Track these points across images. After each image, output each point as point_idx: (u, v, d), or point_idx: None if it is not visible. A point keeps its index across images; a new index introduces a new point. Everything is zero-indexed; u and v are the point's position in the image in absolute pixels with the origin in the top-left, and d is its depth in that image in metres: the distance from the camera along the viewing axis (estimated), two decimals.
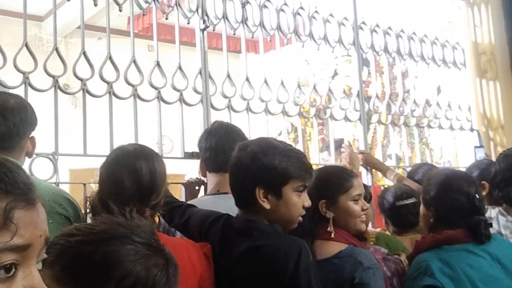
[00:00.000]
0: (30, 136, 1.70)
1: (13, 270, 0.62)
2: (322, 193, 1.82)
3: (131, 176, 1.48)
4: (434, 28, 4.09)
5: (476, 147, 3.76)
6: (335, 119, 3.41)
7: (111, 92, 2.36)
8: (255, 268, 1.51)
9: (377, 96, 3.56)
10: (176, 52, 2.72)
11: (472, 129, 4.06)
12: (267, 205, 1.56)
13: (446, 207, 1.93)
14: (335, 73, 5.33)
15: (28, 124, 1.66)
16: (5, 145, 1.63)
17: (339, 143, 3.49)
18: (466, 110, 4.07)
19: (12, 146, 1.64)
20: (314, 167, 3.29)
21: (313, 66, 3.45)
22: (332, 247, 1.77)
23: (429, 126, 3.89)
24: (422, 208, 2.04)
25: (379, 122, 3.61)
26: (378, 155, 3.75)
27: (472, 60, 4.13)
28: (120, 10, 2.44)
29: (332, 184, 1.87)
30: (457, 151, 4.09)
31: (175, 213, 1.79)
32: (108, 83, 2.35)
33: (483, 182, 2.62)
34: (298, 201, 1.59)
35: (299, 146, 3.45)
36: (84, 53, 2.30)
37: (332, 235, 1.77)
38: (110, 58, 2.38)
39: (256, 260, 1.51)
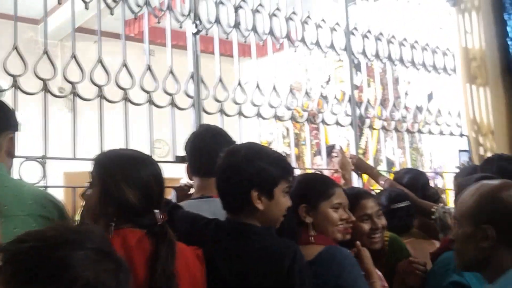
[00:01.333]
0: (10, 135, 1.67)
1: None
2: (303, 197, 1.85)
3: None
4: (425, 34, 4.12)
5: (460, 150, 3.80)
6: (327, 124, 3.43)
7: (101, 96, 2.36)
8: (251, 270, 1.54)
9: (368, 102, 3.59)
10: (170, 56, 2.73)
11: (462, 135, 4.09)
12: (261, 207, 1.60)
13: None
14: (329, 78, 5.36)
15: (2, 122, 1.64)
16: None
17: (330, 149, 3.52)
18: (456, 116, 4.10)
19: None
20: (308, 171, 3.34)
21: (308, 71, 3.48)
22: (311, 250, 1.78)
23: (419, 131, 3.91)
24: None
25: (371, 127, 3.63)
26: (371, 160, 3.77)
27: (463, 66, 4.16)
28: (112, 14, 2.45)
29: (314, 189, 1.90)
30: (448, 157, 4.12)
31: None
32: (98, 86, 2.36)
33: None
34: (285, 201, 1.65)
35: (293, 151, 3.47)
36: (75, 57, 2.31)
37: (312, 239, 1.80)
38: (101, 61, 2.39)
39: (253, 262, 1.55)
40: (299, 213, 1.85)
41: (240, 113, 2.95)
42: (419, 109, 3.85)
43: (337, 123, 3.42)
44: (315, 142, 5.80)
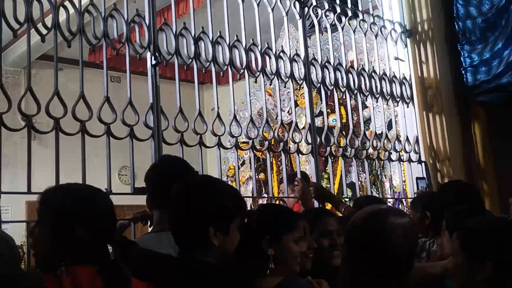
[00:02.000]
0: None
1: None
2: (266, 229, 1.84)
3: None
4: (382, 64, 4.24)
5: (418, 178, 3.89)
6: (288, 152, 3.47)
7: (57, 128, 2.34)
8: None
9: (328, 129, 3.65)
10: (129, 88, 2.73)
11: (420, 161, 4.19)
12: (217, 243, 1.57)
13: None
14: (296, 104, 5.44)
15: None
16: None
17: (292, 177, 3.55)
18: (414, 143, 4.20)
19: None
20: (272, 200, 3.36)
21: (271, 100, 3.52)
22: (270, 282, 1.77)
23: (379, 158, 3.99)
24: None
25: (331, 154, 3.68)
26: (332, 187, 3.82)
27: (419, 95, 4.29)
28: (69, 47, 2.44)
29: (279, 222, 1.89)
30: (408, 183, 4.20)
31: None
32: (54, 119, 2.33)
33: (426, 211, 2.75)
34: (237, 236, 1.64)
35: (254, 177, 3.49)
36: (30, 89, 2.28)
37: (268, 272, 1.79)
38: (58, 93, 2.37)
39: None
40: (262, 245, 1.82)
41: (200, 143, 2.96)
42: (378, 136, 3.93)
43: (298, 151, 3.46)
44: (282, 168, 5.84)
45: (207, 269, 1.58)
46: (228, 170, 6.37)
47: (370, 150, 3.89)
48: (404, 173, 4.27)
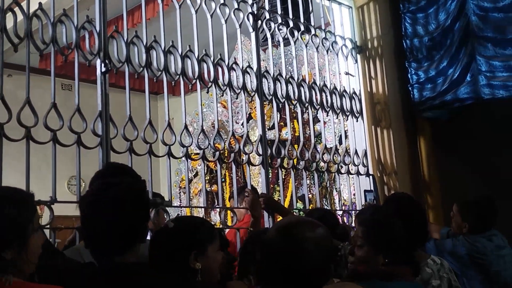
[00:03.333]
0: None
1: None
2: (191, 243, 1.80)
3: None
4: (332, 79, 4.33)
5: (366, 191, 3.98)
6: (239, 164, 3.49)
7: (1, 134, 2.29)
8: None
9: (281, 142, 3.70)
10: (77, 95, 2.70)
11: (368, 174, 4.29)
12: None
13: None
14: (250, 117, 5.48)
15: None
16: None
17: (241, 189, 3.58)
18: (363, 156, 4.30)
19: None
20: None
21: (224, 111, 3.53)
22: None
23: (328, 171, 4.06)
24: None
25: (281, 166, 3.72)
26: (282, 199, 3.90)
27: (368, 109, 4.41)
28: (15, 51, 2.40)
29: (202, 233, 1.85)
30: (356, 195, 4.29)
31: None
32: None
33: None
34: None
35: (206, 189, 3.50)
36: None
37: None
38: (2, 98, 2.32)
39: None
40: (189, 261, 1.78)
41: (150, 152, 2.95)
42: (328, 150, 4.01)
43: (249, 163, 3.49)
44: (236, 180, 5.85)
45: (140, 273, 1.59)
46: (180, 182, 6.34)
47: (322, 163, 3.96)
48: (353, 186, 4.37)
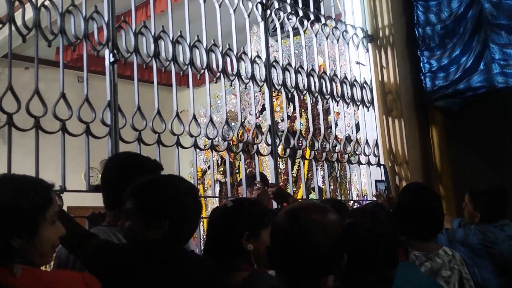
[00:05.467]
0: None
1: None
2: (245, 224, 1.87)
3: None
4: (343, 68, 4.30)
5: (377, 181, 3.96)
6: (247, 153, 3.49)
7: (10, 123, 2.31)
8: None
9: (288, 131, 3.69)
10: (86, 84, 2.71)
11: (379, 164, 4.26)
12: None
13: None
14: (263, 108, 5.47)
15: None
16: None
17: (251, 180, 3.59)
18: (374, 146, 4.27)
19: None
20: None
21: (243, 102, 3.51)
22: (237, 276, 1.81)
23: (338, 161, 4.03)
24: None
25: (290, 156, 3.71)
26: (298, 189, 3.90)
27: (379, 99, 4.37)
28: (24, 42, 2.42)
29: (256, 216, 1.92)
30: (367, 186, 4.27)
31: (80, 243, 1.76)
32: (8, 114, 2.30)
33: None
34: None
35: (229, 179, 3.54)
36: None
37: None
38: (11, 89, 2.34)
39: None
40: (242, 242, 1.85)
41: (158, 142, 2.95)
42: (337, 139, 3.99)
43: (258, 152, 3.48)
44: (249, 170, 5.85)
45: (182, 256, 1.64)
46: (197, 173, 6.35)
47: (334, 154, 3.94)
48: (364, 176, 4.34)
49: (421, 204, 2.68)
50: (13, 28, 2.41)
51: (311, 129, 3.83)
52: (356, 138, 4.17)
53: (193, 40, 3.20)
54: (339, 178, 4.76)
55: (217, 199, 5.46)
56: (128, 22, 2.95)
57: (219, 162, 6.45)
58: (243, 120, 3.40)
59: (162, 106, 2.97)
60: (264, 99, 5.39)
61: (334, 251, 1.53)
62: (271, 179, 3.58)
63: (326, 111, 4.66)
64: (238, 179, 5.78)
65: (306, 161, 3.81)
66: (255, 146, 3.46)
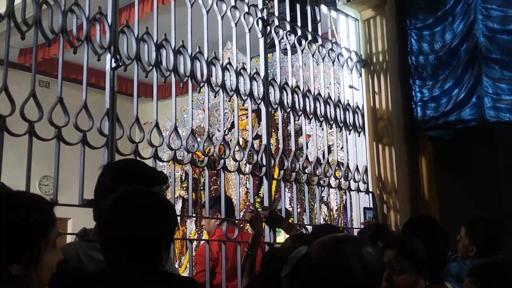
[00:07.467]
0: None
1: None
2: None
3: None
4: (336, 91, 4.22)
5: (365, 208, 3.88)
6: (228, 171, 3.32)
7: (2, 127, 2.10)
8: None
9: (283, 153, 3.55)
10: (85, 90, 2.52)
11: (367, 191, 4.18)
12: None
13: None
14: (232, 125, 5.33)
15: None
16: None
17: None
18: (363, 173, 4.18)
19: None
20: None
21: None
22: None
23: (319, 184, 3.82)
24: None
25: (284, 179, 3.57)
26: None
27: (370, 125, 4.31)
28: (23, 39, 2.21)
29: None
30: (354, 213, 4.17)
31: None
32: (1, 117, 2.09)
33: (377, 242, 2.70)
34: None
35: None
36: None
37: None
38: (6, 89, 2.13)
39: None
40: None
41: (155, 156, 2.78)
42: (319, 161, 3.80)
43: (239, 171, 3.29)
44: (214, 188, 5.66)
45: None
46: None
47: (310, 176, 3.80)
48: (350, 203, 4.24)
49: (427, 237, 2.60)
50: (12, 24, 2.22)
51: (293, 149, 3.66)
52: (347, 164, 4.08)
53: (194, 51, 3.05)
54: (328, 203, 4.64)
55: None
56: (129, 21, 2.77)
57: (183, 178, 6.25)
58: (210, 136, 3.17)
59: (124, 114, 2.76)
60: (233, 116, 5.23)
61: (372, 282, 1.49)
62: (264, 201, 3.43)
63: (297, 132, 4.46)
64: (203, 198, 5.59)
65: (274, 181, 3.64)
66: (221, 161, 3.20)
